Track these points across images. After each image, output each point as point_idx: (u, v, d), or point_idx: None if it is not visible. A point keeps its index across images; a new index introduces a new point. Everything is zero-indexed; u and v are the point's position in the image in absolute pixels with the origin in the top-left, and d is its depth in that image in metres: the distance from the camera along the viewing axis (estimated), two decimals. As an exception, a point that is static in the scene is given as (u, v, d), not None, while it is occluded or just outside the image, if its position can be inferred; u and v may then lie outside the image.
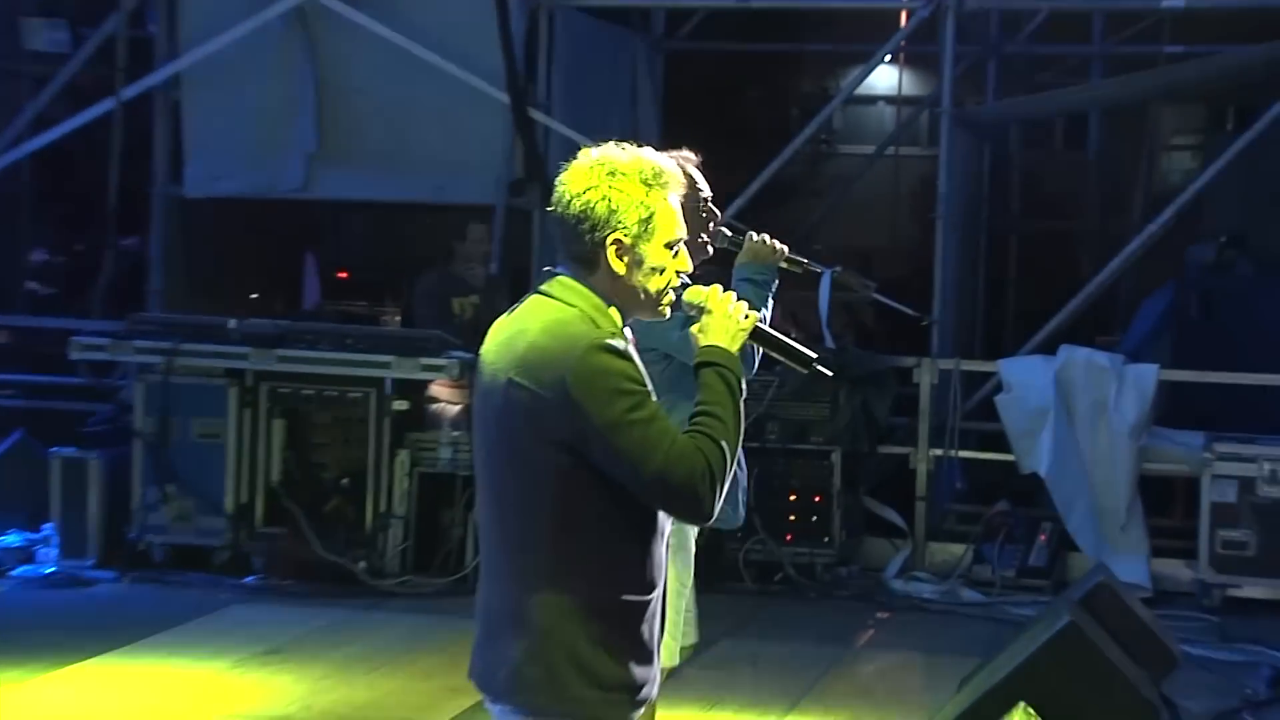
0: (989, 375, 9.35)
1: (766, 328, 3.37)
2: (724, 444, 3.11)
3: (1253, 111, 9.76)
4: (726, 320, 3.23)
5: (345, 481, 8.69)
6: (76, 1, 11.07)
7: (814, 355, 3.38)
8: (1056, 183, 14.06)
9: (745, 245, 4.94)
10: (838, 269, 9.62)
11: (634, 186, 3.18)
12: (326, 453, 8.76)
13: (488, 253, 9.70)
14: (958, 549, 9.14)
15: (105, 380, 10.05)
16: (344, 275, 11.92)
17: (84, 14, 10.93)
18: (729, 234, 4.98)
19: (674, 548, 4.79)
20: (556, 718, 3.15)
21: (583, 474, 3.10)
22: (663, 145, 12.12)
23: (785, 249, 4.91)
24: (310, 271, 11.77)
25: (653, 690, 3.23)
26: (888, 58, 13.28)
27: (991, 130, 12.31)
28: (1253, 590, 8.51)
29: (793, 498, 8.88)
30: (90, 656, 7.08)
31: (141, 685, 6.82)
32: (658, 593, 3.23)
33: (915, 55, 14.65)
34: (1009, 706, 4.67)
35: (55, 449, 8.90)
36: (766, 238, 4.95)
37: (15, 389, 10.36)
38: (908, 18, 10.50)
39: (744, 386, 3.22)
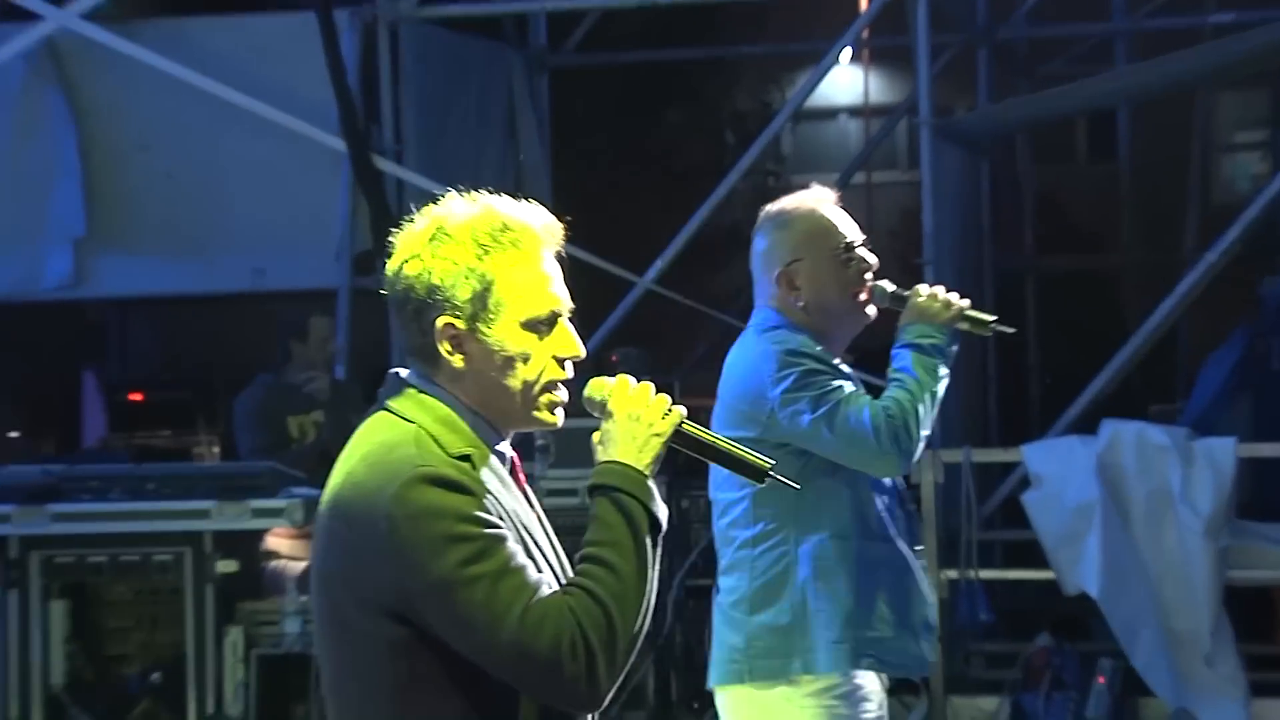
0: (1011, 466, 9.39)
1: (698, 428, 3.32)
2: (609, 603, 3.06)
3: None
4: (632, 426, 3.20)
5: (156, 677, 8.58)
6: None
7: (769, 462, 3.35)
8: (1082, 205, 14.26)
9: (910, 303, 5.14)
10: (801, 340, 9.77)
11: (462, 251, 3.16)
12: (128, 640, 8.65)
13: (334, 353, 9.68)
14: (990, 703, 9.12)
15: None
16: (137, 397, 11.85)
17: None
18: (890, 290, 5.16)
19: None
20: None
21: (425, 651, 3.07)
22: (555, 186, 12.22)
23: (965, 304, 5.11)
24: (91, 396, 11.70)
25: None
26: (846, 55, 13.44)
27: (990, 142, 12.43)
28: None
29: (762, 650, 8.84)
30: None
31: None
32: None
33: (883, 51, 14.86)
34: None
35: None
36: (940, 291, 5.14)
37: None
38: (868, 2, 10.63)
39: (661, 519, 3.17)
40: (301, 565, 8.74)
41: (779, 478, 3.37)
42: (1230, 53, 10.91)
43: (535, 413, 3.20)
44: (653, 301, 10.30)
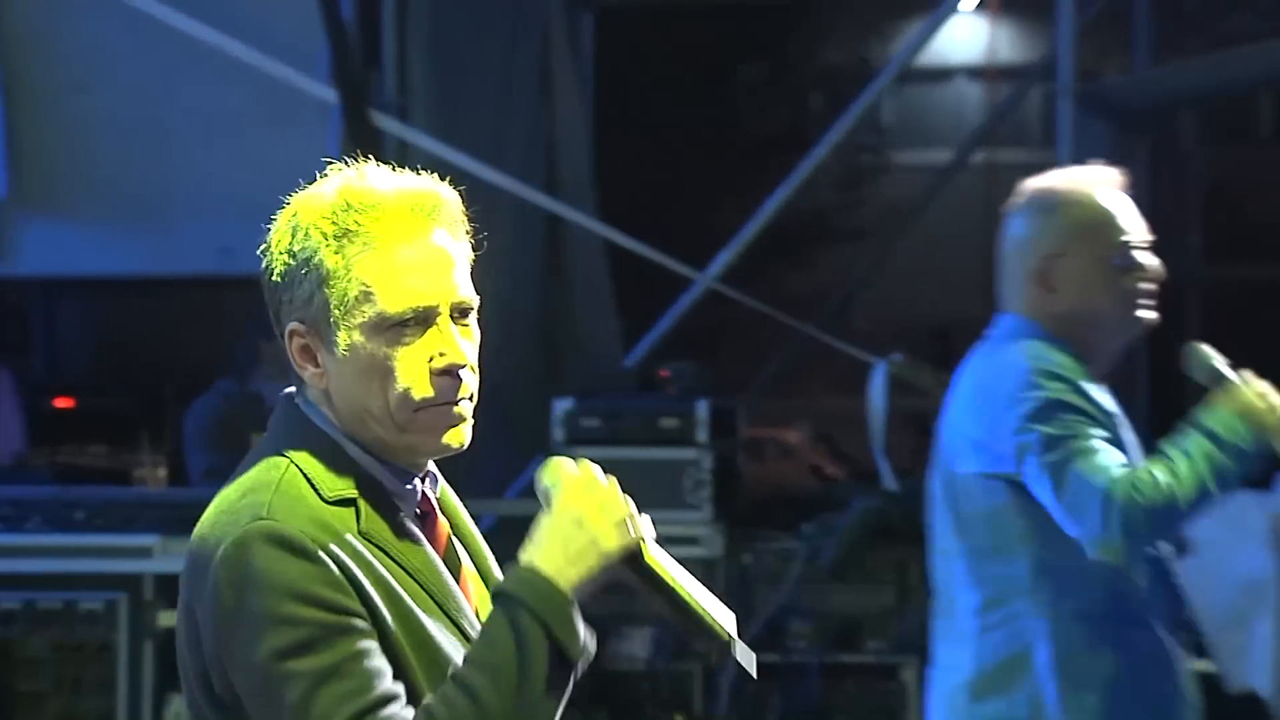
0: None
1: (659, 562, 3.14)
2: None
3: None
4: (573, 530, 3.10)
5: (78, 756, 8.61)
6: None
7: (730, 636, 3.16)
8: (1265, 199, 14.19)
9: (1232, 389, 5.11)
10: (897, 358, 9.71)
11: (301, 240, 3.17)
12: (45, 708, 8.70)
13: None
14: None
15: None
16: (66, 404, 11.86)
17: None
18: (1214, 363, 5.19)
19: None
20: None
21: None
22: (598, 156, 12.13)
23: None
24: (7, 400, 11.70)
25: None
26: (967, 2, 13.40)
27: (1148, 117, 12.37)
28: None
29: (842, 746, 8.88)
30: None
31: None
32: None
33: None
34: None
35: None
36: (1272, 393, 5.09)
37: None
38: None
39: (572, 655, 3.06)
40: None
41: (740, 660, 3.15)
42: None
43: (416, 437, 3.18)
44: (716, 304, 10.25)
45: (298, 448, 3.16)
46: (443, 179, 3.23)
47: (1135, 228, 5.14)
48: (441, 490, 3.35)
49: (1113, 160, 11.42)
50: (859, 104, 10.77)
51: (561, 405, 9.45)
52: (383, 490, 3.17)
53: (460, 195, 3.27)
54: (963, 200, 14.15)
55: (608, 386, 9.66)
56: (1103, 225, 5.16)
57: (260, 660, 2.99)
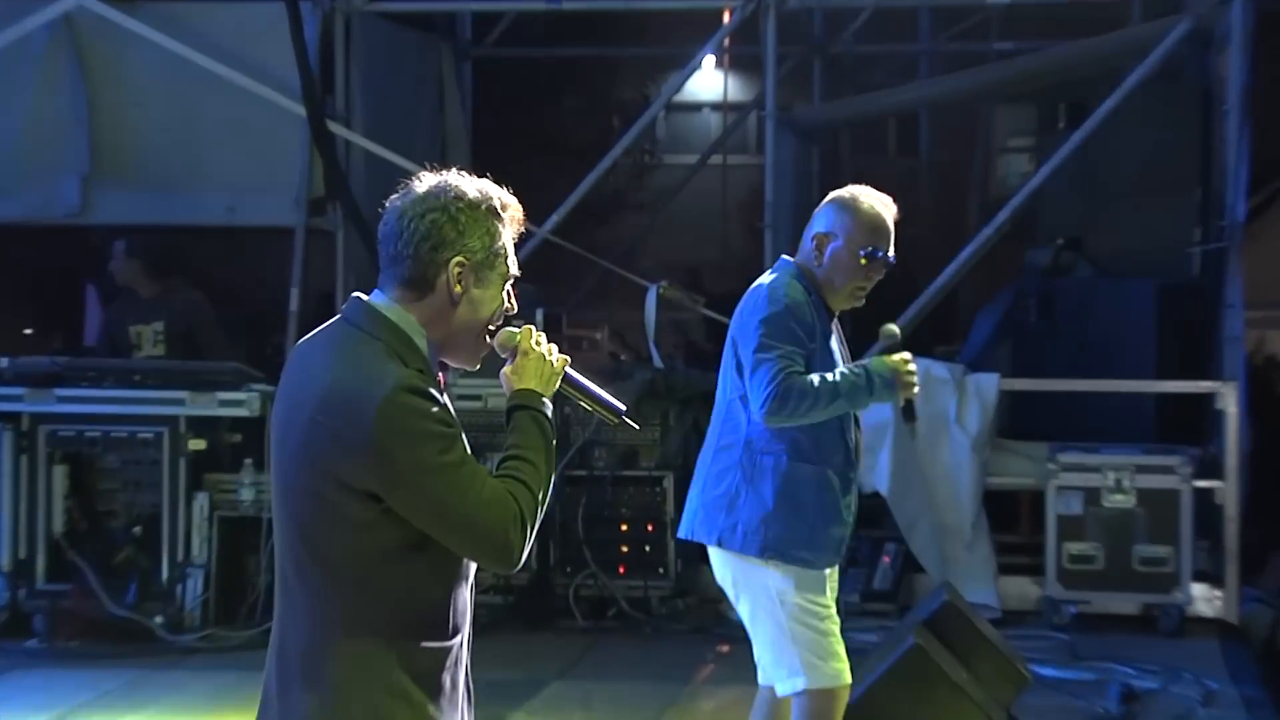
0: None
1: (575, 374, 3.40)
2: (536, 489, 3.16)
3: (1084, 109, 9.98)
4: (540, 364, 3.29)
5: (137, 530, 8.57)
6: None
7: (623, 407, 3.46)
8: (890, 188, 14.37)
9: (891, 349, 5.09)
10: (663, 285, 9.73)
11: (483, 217, 3.25)
12: (115, 499, 8.63)
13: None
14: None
15: None
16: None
17: None
18: (893, 333, 5.17)
19: None
20: None
21: (386, 521, 3.07)
22: (473, 156, 11.89)
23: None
24: (92, 304, 11.53)
25: None
26: (709, 60, 13.44)
27: (820, 134, 12.47)
28: (1102, 605, 8.71)
29: (624, 528, 8.92)
30: None
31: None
32: (460, 638, 3.21)
33: (739, 58, 14.87)
34: (855, 735, 4.72)
35: None
36: (909, 361, 5.06)
37: None
38: (729, 16, 10.60)
39: (554, 427, 3.29)
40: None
41: (628, 420, 3.46)
42: (1008, 72, 10.98)
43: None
44: (548, 248, 10.26)
45: (380, 333, 3.13)
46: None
47: (886, 240, 5.07)
48: None
49: (798, 162, 11.59)
50: (639, 124, 10.72)
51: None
52: (429, 364, 3.18)
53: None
54: (707, 186, 14.21)
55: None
56: (869, 230, 5.09)
57: (423, 460, 3.02)
